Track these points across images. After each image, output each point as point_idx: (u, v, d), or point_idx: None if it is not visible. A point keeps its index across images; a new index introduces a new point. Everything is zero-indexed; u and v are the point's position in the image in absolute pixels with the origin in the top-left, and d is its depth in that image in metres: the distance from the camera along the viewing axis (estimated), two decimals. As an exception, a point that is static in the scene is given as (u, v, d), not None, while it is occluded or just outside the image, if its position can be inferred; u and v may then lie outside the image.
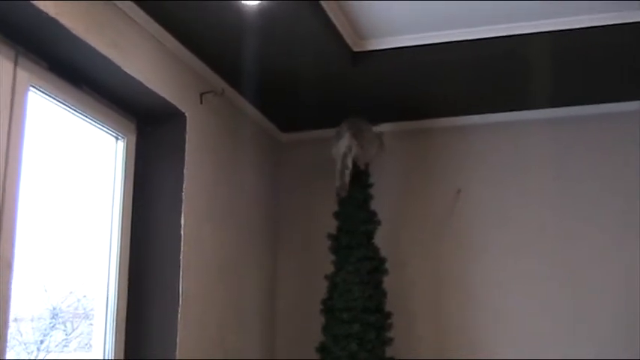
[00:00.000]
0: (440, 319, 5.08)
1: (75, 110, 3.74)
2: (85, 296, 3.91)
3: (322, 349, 4.69)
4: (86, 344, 3.85)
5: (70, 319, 3.81)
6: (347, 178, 4.78)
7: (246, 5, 3.77)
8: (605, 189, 5.04)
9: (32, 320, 3.57)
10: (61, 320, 3.75)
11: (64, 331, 3.77)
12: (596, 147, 5.11)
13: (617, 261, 4.90)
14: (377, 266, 4.78)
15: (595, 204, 5.03)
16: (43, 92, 3.50)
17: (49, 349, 3.65)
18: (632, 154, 5.01)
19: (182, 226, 4.11)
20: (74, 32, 3.30)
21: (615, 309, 4.84)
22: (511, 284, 5.03)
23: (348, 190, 4.78)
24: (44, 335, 3.65)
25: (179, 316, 4.00)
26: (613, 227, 4.97)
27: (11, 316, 3.15)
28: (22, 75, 3.32)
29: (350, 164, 4.79)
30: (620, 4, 4.12)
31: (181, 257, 4.07)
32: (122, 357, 3.94)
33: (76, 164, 3.97)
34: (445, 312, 5.11)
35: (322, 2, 4.00)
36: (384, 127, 5.20)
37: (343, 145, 4.81)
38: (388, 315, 4.75)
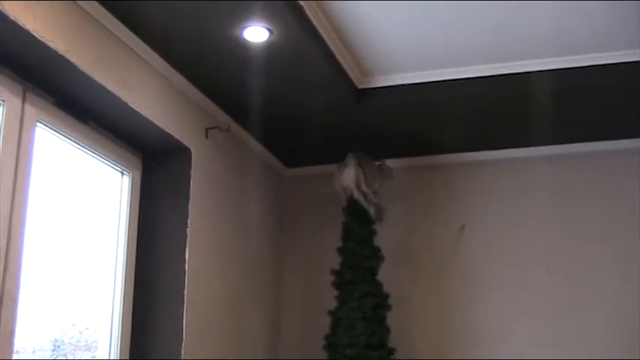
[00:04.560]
0: (443, 355, 5.05)
1: (81, 145, 3.78)
2: (87, 328, 3.92)
3: (326, 384, 4.69)
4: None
5: (72, 351, 3.81)
6: (374, 201, 4.84)
7: (252, 42, 3.82)
8: (609, 225, 5.02)
9: (34, 352, 3.57)
10: (62, 352, 3.75)
11: (66, 362, 3.78)
12: (600, 184, 5.10)
13: (622, 299, 4.87)
14: (380, 302, 4.77)
15: (599, 240, 5.01)
16: (50, 128, 3.53)
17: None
18: (636, 191, 5.01)
19: (186, 260, 4.12)
20: (82, 69, 3.35)
21: (620, 347, 4.80)
22: (515, 321, 5.01)
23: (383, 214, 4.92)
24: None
25: (183, 350, 4.00)
26: (617, 264, 4.94)
27: (13, 348, 3.15)
28: (30, 110, 3.36)
29: (365, 189, 4.83)
30: (622, 43, 4.15)
31: (185, 292, 4.08)
32: (125, 391, 3.94)
33: (82, 199, 3.99)
34: (448, 348, 5.08)
35: (327, 39, 4.03)
36: (388, 164, 5.22)
37: (350, 175, 4.85)
38: (391, 351, 4.74)
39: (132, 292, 4.06)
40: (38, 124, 3.43)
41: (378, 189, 4.97)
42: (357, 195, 4.86)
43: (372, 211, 4.91)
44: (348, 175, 4.86)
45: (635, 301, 4.84)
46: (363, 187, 4.85)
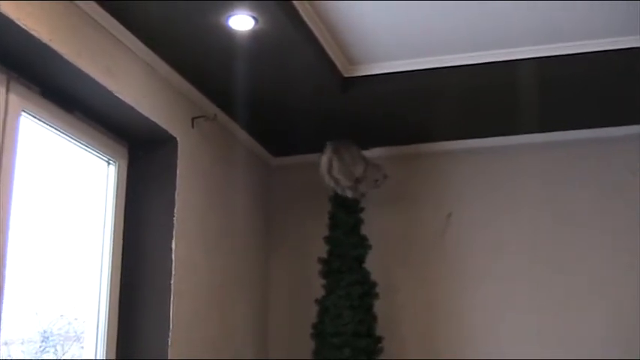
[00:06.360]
0: (430, 344, 5.07)
1: (67, 135, 3.75)
2: (76, 319, 3.91)
3: (313, 373, 4.70)
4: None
5: (61, 342, 3.80)
6: (347, 184, 4.83)
7: (237, 31, 3.80)
8: (598, 214, 5.04)
9: (22, 343, 3.56)
10: (51, 343, 3.74)
11: (55, 354, 3.77)
12: (588, 172, 5.12)
13: (612, 289, 4.89)
14: (367, 290, 4.78)
15: (587, 229, 5.03)
16: (35, 117, 3.51)
17: (40, 372, 3.66)
18: (624, 178, 5.02)
19: (173, 250, 4.11)
20: (67, 58, 3.33)
21: (608, 339, 4.81)
22: (502, 309, 5.03)
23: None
24: (34, 359, 3.64)
25: (170, 340, 3.99)
26: (606, 253, 4.96)
27: (1, 340, 3.14)
28: (14, 100, 3.34)
29: (337, 175, 4.81)
30: (609, 31, 4.16)
31: (172, 281, 4.07)
32: (113, 380, 3.94)
33: (68, 189, 3.98)
34: (436, 336, 5.10)
35: (313, 27, 4.02)
36: (375, 152, 5.23)
37: (323, 163, 4.84)
38: (379, 339, 4.75)
39: (119, 282, 4.05)
40: (23, 113, 3.41)
41: (362, 174, 4.94)
42: (327, 181, 4.85)
43: (349, 194, 4.88)
44: (322, 163, 4.86)
45: (627, 292, 4.86)
46: (334, 173, 4.83)
